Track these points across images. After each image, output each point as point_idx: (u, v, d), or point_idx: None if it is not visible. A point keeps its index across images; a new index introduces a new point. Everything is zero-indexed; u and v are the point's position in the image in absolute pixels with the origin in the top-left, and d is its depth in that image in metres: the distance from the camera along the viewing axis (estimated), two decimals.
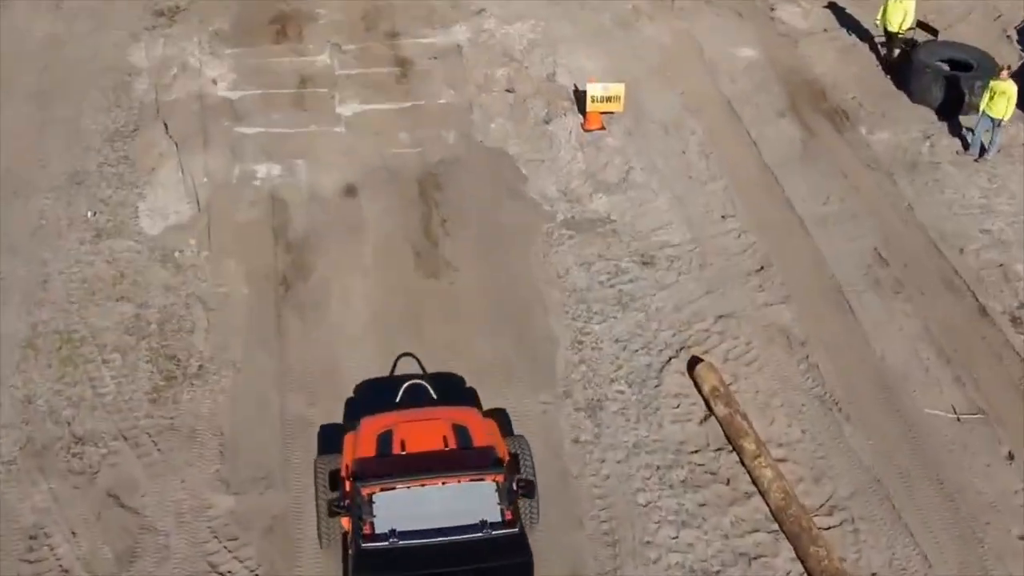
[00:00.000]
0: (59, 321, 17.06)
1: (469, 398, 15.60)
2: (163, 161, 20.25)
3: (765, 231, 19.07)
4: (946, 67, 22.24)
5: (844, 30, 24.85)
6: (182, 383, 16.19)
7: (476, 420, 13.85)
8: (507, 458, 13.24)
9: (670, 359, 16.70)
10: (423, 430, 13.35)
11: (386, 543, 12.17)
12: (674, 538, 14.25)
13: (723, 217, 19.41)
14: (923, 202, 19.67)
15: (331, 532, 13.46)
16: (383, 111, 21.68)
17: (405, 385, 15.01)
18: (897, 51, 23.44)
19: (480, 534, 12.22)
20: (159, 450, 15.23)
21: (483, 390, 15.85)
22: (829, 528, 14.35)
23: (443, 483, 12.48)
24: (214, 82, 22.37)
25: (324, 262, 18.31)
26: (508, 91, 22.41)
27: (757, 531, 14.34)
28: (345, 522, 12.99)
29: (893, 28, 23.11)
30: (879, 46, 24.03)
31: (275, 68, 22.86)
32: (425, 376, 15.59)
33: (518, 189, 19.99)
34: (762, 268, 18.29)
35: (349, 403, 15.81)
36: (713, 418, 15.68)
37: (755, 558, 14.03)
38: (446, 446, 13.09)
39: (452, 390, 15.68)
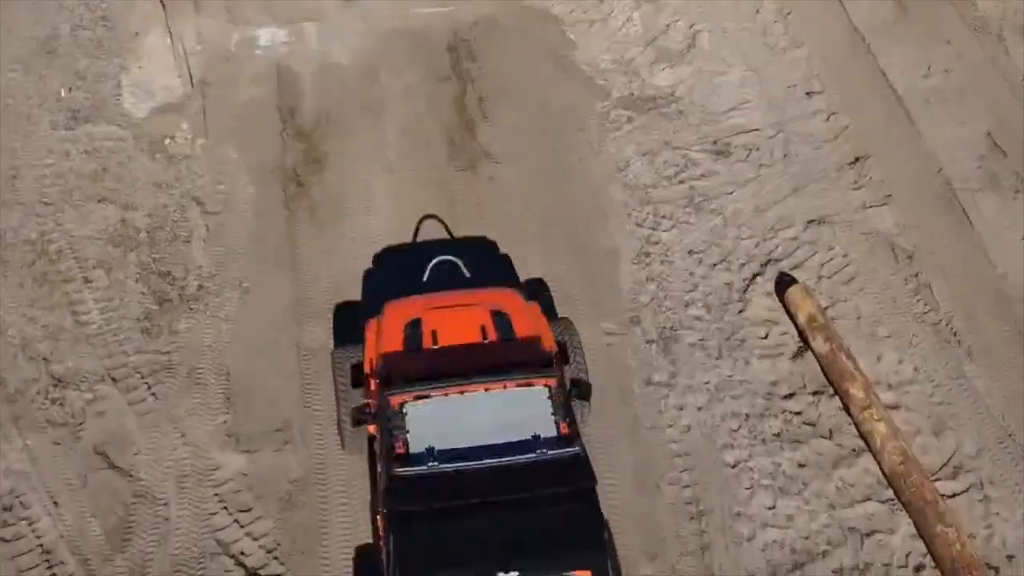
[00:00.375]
0: (31, 228, 14.43)
1: (503, 269, 13.53)
2: (148, 24, 17.23)
3: (858, 112, 16.20)
4: None
5: None
6: (179, 308, 13.68)
7: (518, 304, 11.99)
8: (555, 349, 11.44)
9: (754, 276, 14.14)
10: (457, 319, 11.56)
11: (424, 467, 10.20)
12: (770, 508, 11.97)
13: (808, 95, 16.51)
14: None
15: (355, 437, 11.73)
16: None
17: (432, 262, 13.22)
18: None
19: (533, 455, 10.27)
20: (154, 395, 12.83)
21: None
22: (954, 495, 12.06)
23: (485, 389, 10.67)
24: None
25: (341, 153, 15.54)
26: None
27: (869, 499, 12.05)
28: (372, 427, 11.21)
29: None
30: None
31: None
32: (453, 242, 13.84)
33: (566, 58, 17.03)
34: (857, 160, 15.52)
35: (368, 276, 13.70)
36: (809, 353, 13.18)
37: (868, 535, 11.77)
38: (485, 338, 11.34)
39: (483, 260, 13.66)
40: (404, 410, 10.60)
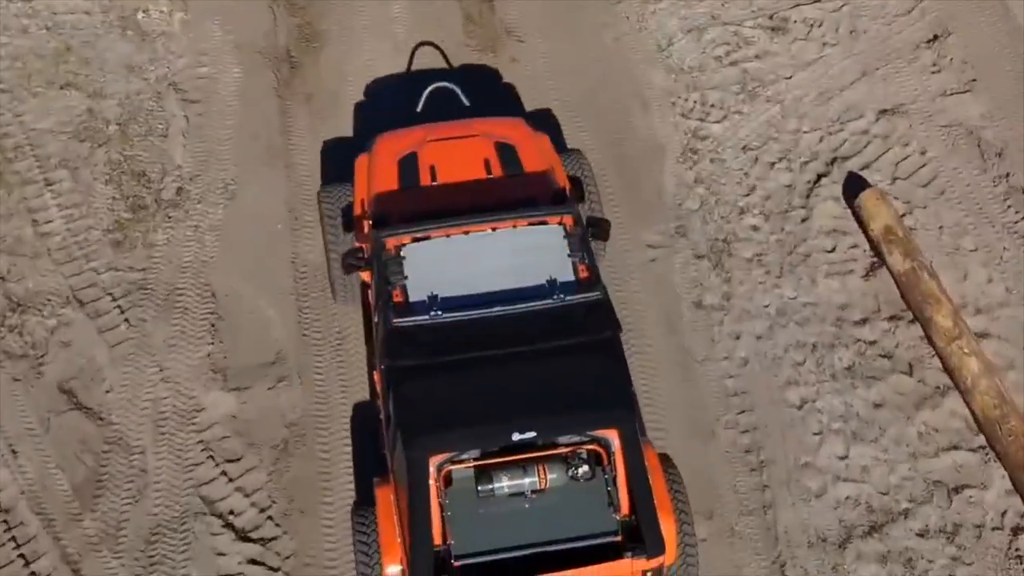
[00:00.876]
0: None
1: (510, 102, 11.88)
2: None
3: None
4: None
5: None
6: (155, 215, 11.85)
7: (525, 135, 10.66)
8: (567, 185, 10.25)
9: (819, 177, 12.25)
10: (458, 152, 10.32)
11: (425, 317, 8.84)
12: (843, 458, 10.32)
13: None
14: None
15: (347, 287, 10.54)
16: None
17: (429, 89, 11.52)
18: None
19: (549, 301, 8.90)
20: (127, 321, 11.09)
21: None
22: None
23: (492, 228, 9.32)
24: None
25: (341, 29, 13.48)
26: None
27: (957, 448, 10.39)
28: (366, 273, 9.91)
29: None
30: None
31: None
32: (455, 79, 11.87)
33: None
34: (936, 38, 13.44)
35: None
36: (884, 269, 11.38)
37: (956, 490, 10.14)
38: (489, 173, 10.13)
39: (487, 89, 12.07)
40: (401, 254, 9.29)
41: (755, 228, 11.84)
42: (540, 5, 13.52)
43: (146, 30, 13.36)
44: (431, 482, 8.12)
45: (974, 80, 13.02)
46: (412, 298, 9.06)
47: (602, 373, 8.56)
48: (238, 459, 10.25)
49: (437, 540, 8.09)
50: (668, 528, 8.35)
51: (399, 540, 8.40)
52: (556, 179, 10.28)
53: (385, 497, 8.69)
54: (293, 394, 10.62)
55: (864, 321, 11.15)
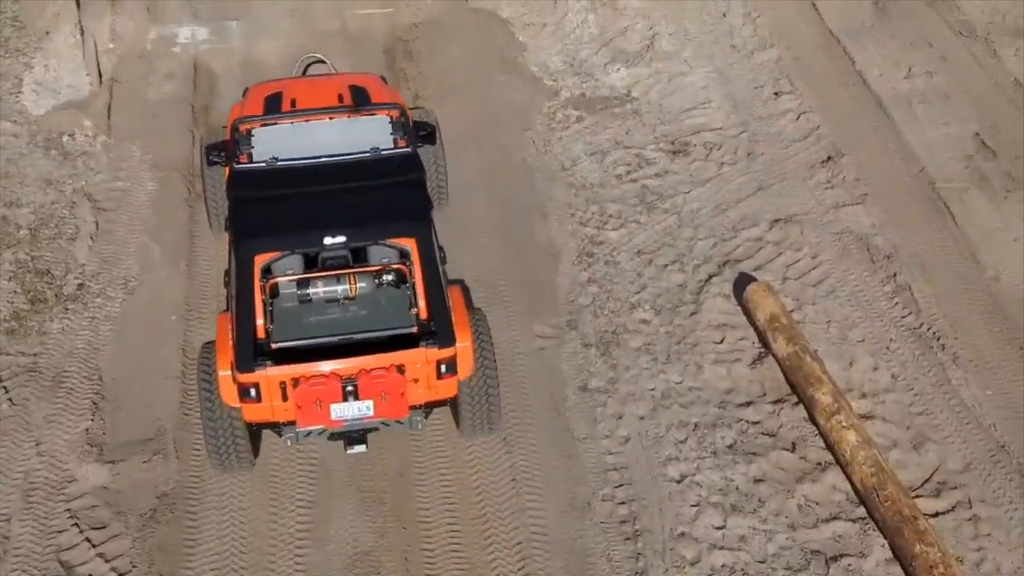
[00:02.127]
0: None
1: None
2: (60, 22, 15.87)
3: (832, 112, 14.67)
4: None
5: None
6: (53, 308, 12.01)
7: (377, 83, 12.54)
8: (411, 117, 11.95)
9: (710, 277, 12.45)
10: (317, 89, 12.19)
11: (263, 164, 10.85)
12: (720, 528, 10.12)
13: (776, 95, 14.99)
14: None
15: (219, 207, 11.97)
16: None
17: (302, 58, 13.99)
18: None
19: (368, 154, 10.92)
20: (10, 400, 11.09)
21: None
22: (937, 515, 10.18)
23: (331, 118, 11.38)
24: None
25: None
26: None
27: (836, 518, 10.20)
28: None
29: None
30: None
31: None
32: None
33: (513, 61, 15.58)
34: (830, 159, 13.93)
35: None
36: (770, 358, 11.43)
37: (835, 558, 9.90)
38: (341, 102, 11.76)
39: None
40: (252, 134, 11.14)
41: (645, 322, 11.97)
42: (453, 128, 13.99)
43: (69, 150, 13.91)
44: (255, 281, 9.64)
45: (866, 194, 13.41)
46: (256, 158, 10.91)
47: (404, 199, 10.36)
48: (104, 527, 10.06)
49: (261, 333, 9.62)
50: (464, 343, 9.74)
51: (230, 343, 9.58)
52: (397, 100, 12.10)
53: (223, 319, 10.04)
54: (168, 467, 10.52)
55: (748, 404, 11.14)
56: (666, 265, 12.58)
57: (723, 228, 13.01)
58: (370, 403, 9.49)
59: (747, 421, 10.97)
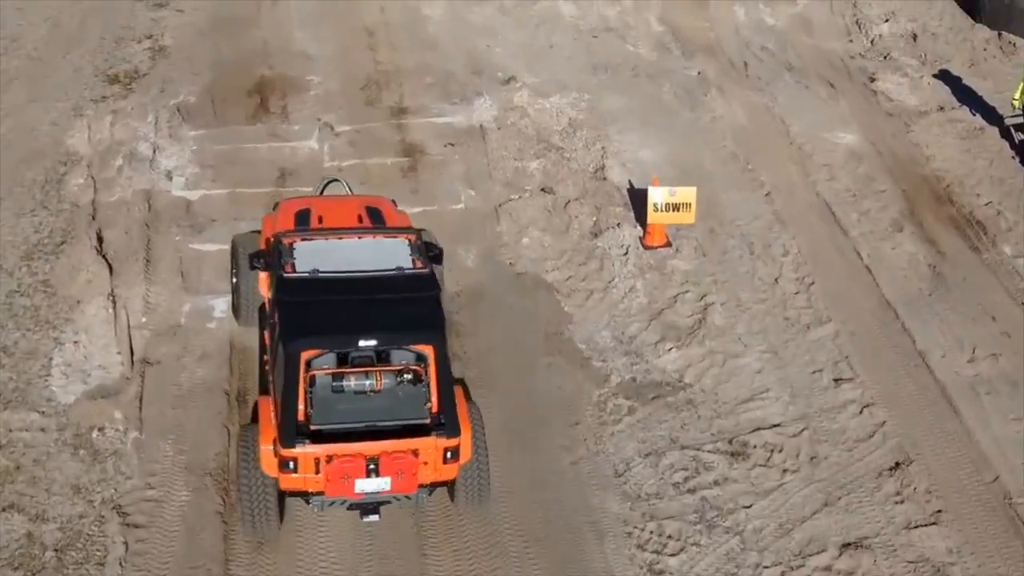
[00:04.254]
0: None
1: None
2: (91, 290, 15.35)
3: (896, 404, 14.06)
4: None
5: (965, 108, 19.80)
6: None
7: (389, 207, 14.53)
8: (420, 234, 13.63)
9: None
10: (340, 208, 14.19)
11: (306, 273, 12.54)
12: None
13: (836, 381, 14.39)
14: None
15: (249, 304, 14.23)
16: None
17: (323, 181, 15.69)
18: None
19: (393, 271, 12.66)
20: None
21: None
22: None
23: (359, 237, 13.19)
24: (168, 176, 17.47)
25: None
26: (544, 191, 17.41)
27: None
28: (263, 287, 13.54)
29: None
30: (1013, 131, 18.94)
31: (249, 157, 17.95)
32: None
33: (560, 335, 15.02)
34: (898, 465, 13.28)
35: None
36: None
37: None
38: (361, 223, 13.84)
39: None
40: (293, 247, 12.84)
41: None
42: (496, 425, 13.33)
43: (99, 448, 13.26)
44: (300, 372, 11.49)
45: (939, 511, 12.73)
46: (299, 268, 12.56)
47: (425, 312, 12.15)
48: None
49: (302, 415, 11.54)
50: (465, 434, 11.78)
51: (273, 424, 11.67)
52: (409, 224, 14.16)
53: (265, 404, 12.23)
54: None
55: None
56: None
57: (789, 553, 12.30)
58: (388, 480, 11.54)
59: None
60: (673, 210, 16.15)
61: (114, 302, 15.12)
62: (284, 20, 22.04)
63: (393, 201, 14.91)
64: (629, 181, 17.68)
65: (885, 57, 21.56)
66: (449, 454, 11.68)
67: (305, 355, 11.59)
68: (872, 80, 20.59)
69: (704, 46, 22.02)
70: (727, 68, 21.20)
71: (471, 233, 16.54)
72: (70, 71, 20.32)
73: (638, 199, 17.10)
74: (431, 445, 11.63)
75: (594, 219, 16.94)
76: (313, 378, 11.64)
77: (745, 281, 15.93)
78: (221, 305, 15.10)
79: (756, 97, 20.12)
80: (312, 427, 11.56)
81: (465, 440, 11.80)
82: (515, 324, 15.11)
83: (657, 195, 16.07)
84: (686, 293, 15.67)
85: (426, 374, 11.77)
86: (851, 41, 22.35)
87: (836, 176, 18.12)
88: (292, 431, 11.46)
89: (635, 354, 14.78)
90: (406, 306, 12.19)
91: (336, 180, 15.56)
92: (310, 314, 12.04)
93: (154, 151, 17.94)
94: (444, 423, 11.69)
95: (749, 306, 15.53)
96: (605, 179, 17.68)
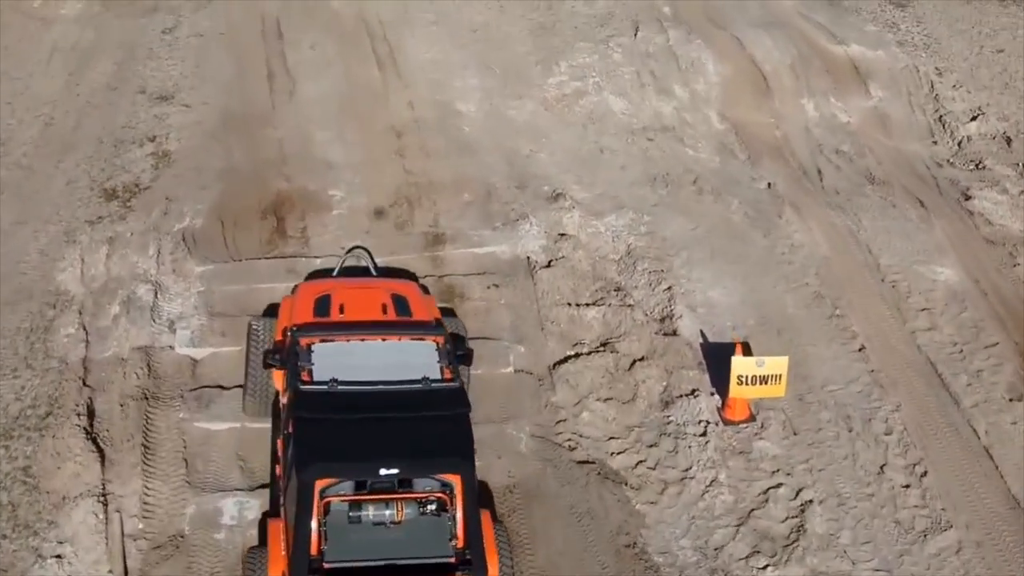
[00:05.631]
0: None
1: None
2: (79, 485, 13.08)
3: None
4: None
5: None
6: None
7: (416, 293, 13.55)
8: (443, 324, 13.07)
9: None
10: (363, 296, 13.20)
11: (325, 386, 11.67)
12: None
13: None
14: None
15: (256, 396, 13.27)
16: None
17: (346, 252, 14.83)
18: None
19: (420, 385, 11.78)
20: None
21: None
22: None
23: (384, 339, 12.28)
24: (171, 327, 15.14)
25: None
26: (605, 348, 15.07)
27: None
28: (278, 382, 12.66)
29: None
30: None
31: (264, 299, 15.57)
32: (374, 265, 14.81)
33: (632, 547, 12.66)
34: None
35: None
36: None
37: None
38: (385, 313, 12.85)
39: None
40: (312, 350, 12.00)
41: None
42: None
43: None
44: (315, 503, 10.54)
45: None
46: (317, 378, 11.75)
47: (452, 435, 11.17)
48: None
49: (315, 550, 10.51)
50: (492, 564, 10.78)
51: (283, 554, 10.66)
52: (437, 318, 13.11)
53: (275, 527, 11.18)
54: None
55: None
56: None
57: None
58: None
59: None
60: (761, 383, 13.82)
61: (105, 503, 12.82)
62: (302, 117, 19.76)
63: (422, 286, 14.23)
64: (701, 332, 15.34)
65: (977, 165, 19.18)
66: None
67: (320, 484, 10.76)
68: (967, 198, 18.18)
69: (771, 147, 19.73)
70: (799, 177, 18.88)
71: (522, 405, 14.22)
72: (63, 183, 18.06)
73: (713, 356, 14.82)
74: None
75: (664, 384, 14.61)
76: (328, 506, 10.87)
77: (845, 469, 13.59)
78: (231, 508, 12.80)
79: (837, 217, 17.76)
80: (326, 564, 10.58)
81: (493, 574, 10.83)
82: (578, 531, 12.78)
83: (742, 367, 13.73)
84: (778, 488, 13.33)
85: (452, 504, 10.93)
86: (935, 143, 20.02)
87: (937, 324, 15.75)
88: (304, 568, 10.48)
89: (723, 572, 12.42)
90: (433, 428, 11.29)
91: (359, 247, 14.82)
92: (328, 437, 11.10)
93: (155, 293, 15.61)
94: (471, 560, 10.72)
95: (853, 504, 13.18)
96: (675, 332, 15.30)
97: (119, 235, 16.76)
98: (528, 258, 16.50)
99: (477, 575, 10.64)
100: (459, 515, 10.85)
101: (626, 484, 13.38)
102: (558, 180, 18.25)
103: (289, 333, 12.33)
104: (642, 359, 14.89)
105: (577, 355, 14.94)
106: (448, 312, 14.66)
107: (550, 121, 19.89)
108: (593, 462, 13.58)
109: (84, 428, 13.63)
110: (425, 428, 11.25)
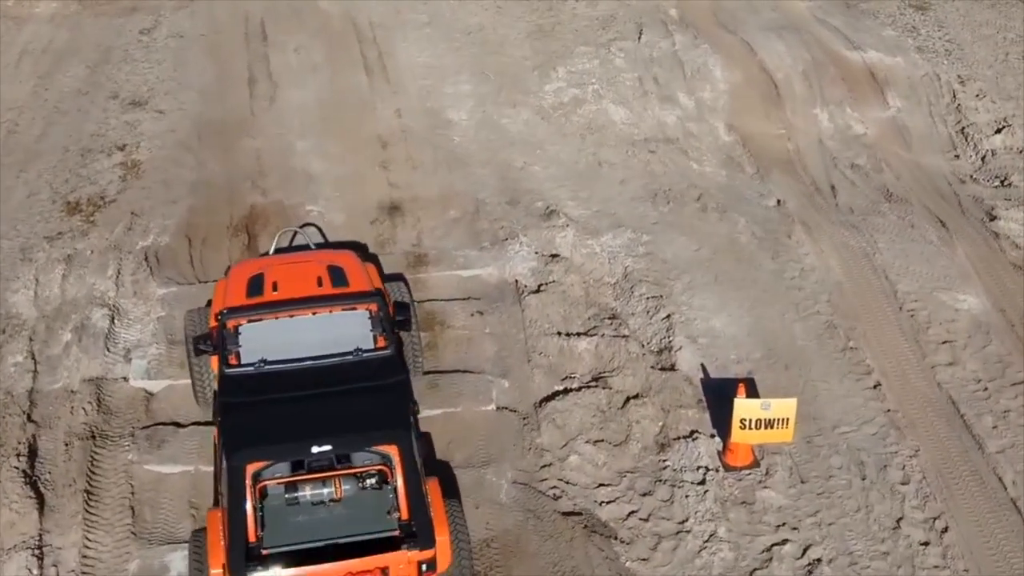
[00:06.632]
0: None
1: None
2: (13, 536, 11.98)
3: None
4: None
5: None
6: None
7: (353, 262, 13.01)
8: (385, 290, 12.85)
9: None
10: (296, 271, 12.68)
11: (251, 368, 11.45)
12: None
13: None
14: None
15: (205, 387, 12.58)
16: None
17: (279, 233, 14.41)
18: None
19: (351, 356, 11.54)
20: None
21: None
22: None
23: (314, 313, 11.89)
24: (127, 356, 13.98)
25: None
26: (597, 383, 13.85)
27: None
28: (215, 368, 12.07)
29: None
30: None
31: None
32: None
33: None
34: None
35: None
36: None
37: None
38: (321, 286, 12.34)
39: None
40: (239, 331, 11.74)
41: None
42: None
43: None
44: (247, 488, 10.19)
45: None
46: (244, 360, 11.53)
47: (387, 405, 10.97)
48: None
49: (252, 537, 10.15)
50: (442, 540, 10.32)
51: (222, 544, 10.18)
52: (374, 284, 12.70)
53: (214, 517, 10.55)
54: None
55: None
56: None
57: None
58: None
59: None
60: (766, 427, 12.57)
61: (41, 557, 11.66)
62: (283, 125, 18.62)
63: (358, 254, 13.39)
64: (702, 366, 14.09)
65: (1003, 182, 17.89)
66: (424, 567, 10.34)
67: (251, 468, 10.39)
68: (992, 218, 16.88)
69: (781, 160, 18.48)
70: (811, 194, 17.63)
71: (504, 448, 13.01)
72: (23, 195, 16.97)
73: (714, 392, 13.60)
74: (402, 560, 10.27)
75: (660, 424, 13.39)
76: (264, 490, 10.57)
77: (858, 524, 12.33)
78: (179, 563, 11.58)
79: (851, 238, 16.48)
80: (264, 551, 10.19)
81: (442, 547, 10.38)
82: None
83: (745, 410, 12.48)
84: (784, 544, 12.09)
85: (392, 476, 10.54)
86: (957, 157, 18.73)
87: (959, 358, 14.47)
88: (242, 557, 10.06)
89: None
90: (365, 400, 11.06)
91: (295, 230, 14.66)
92: (256, 419, 10.84)
93: (112, 319, 14.48)
94: (416, 532, 10.35)
95: (866, 564, 11.94)
96: (673, 366, 14.05)
97: (78, 253, 15.64)
98: (516, 282, 15.31)
99: (423, 545, 10.24)
100: (400, 486, 10.48)
101: (615, 538, 12.15)
102: (552, 195, 17.05)
103: (218, 317, 11.99)
104: (637, 396, 13.67)
105: (566, 391, 13.73)
106: (395, 277, 14.44)
107: (546, 131, 18.69)
108: (580, 513, 12.36)
109: (23, 471, 12.45)
110: (357, 400, 11.05)
